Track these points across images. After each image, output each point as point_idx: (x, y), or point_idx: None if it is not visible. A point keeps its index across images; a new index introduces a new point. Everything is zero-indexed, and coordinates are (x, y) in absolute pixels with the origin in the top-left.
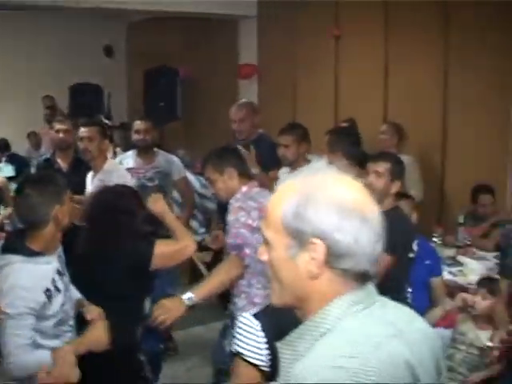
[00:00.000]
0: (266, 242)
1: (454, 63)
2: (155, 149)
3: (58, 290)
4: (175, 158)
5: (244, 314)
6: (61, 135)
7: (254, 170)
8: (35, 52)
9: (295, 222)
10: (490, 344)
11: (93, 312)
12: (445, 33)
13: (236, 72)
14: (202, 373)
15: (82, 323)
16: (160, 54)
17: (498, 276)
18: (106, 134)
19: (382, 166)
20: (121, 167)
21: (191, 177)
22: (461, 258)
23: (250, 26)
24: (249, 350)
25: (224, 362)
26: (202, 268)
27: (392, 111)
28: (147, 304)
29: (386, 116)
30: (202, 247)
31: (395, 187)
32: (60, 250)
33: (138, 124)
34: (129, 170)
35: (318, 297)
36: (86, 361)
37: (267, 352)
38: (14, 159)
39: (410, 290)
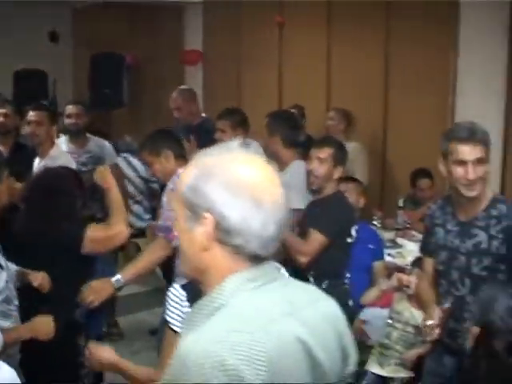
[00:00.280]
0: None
1: (394, 50)
2: (87, 134)
3: (1, 266)
4: (107, 144)
5: (174, 285)
6: (0, 119)
7: None
8: None
9: (192, 196)
10: (430, 322)
11: (38, 277)
12: (386, 20)
13: (181, 58)
14: (147, 357)
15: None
16: (106, 41)
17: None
18: (55, 119)
19: (325, 152)
20: (67, 154)
21: (137, 162)
22: (400, 241)
23: (196, 13)
24: (175, 319)
25: None
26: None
27: (335, 98)
28: None
29: (329, 102)
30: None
31: (338, 173)
32: None
33: (70, 108)
34: None
35: (214, 272)
36: (22, 345)
37: None
38: None
39: (348, 275)
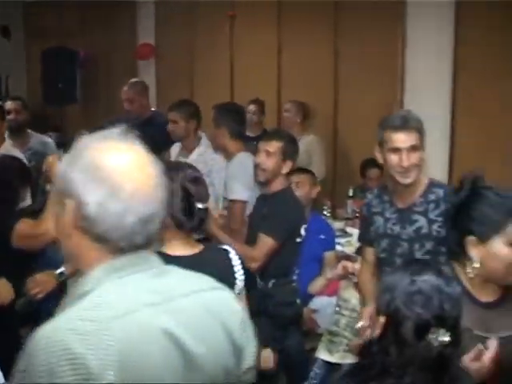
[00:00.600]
0: None
1: (344, 44)
2: (29, 130)
3: None
4: (49, 140)
5: None
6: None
7: None
8: None
9: (60, 181)
10: (361, 324)
11: None
12: (335, 14)
13: (134, 53)
14: None
15: None
16: (58, 36)
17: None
18: (3, 116)
19: (274, 146)
20: (16, 150)
21: None
22: (349, 230)
23: (148, 7)
24: None
25: None
26: None
27: (285, 91)
28: None
29: (280, 96)
30: None
31: (287, 167)
32: None
33: (9, 104)
34: None
35: (82, 260)
36: None
37: None
38: None
39: (297, 271)
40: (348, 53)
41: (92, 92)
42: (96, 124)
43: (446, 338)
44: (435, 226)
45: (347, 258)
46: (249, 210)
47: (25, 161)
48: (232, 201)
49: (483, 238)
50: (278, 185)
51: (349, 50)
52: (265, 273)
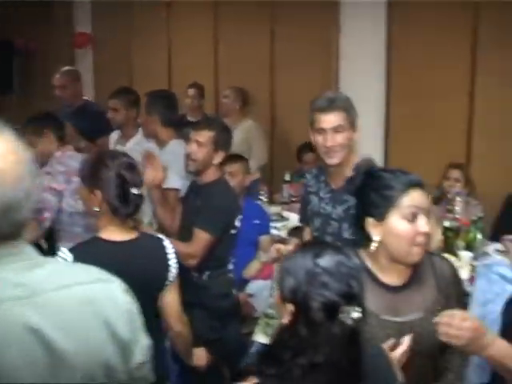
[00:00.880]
0: None
1: (280, 28)
2: None
3: None
4: None
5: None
6: None
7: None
8: None
9: None
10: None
11: None
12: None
13: (72, 42)
14: None
15: None
16: None
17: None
18: None
19: (205, 135)
20: None
21: None
22: (285, 214)
23: None
24: None
25: None
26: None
27: (223, 77)
28: None
29: (218, 81)
30: None
31: (219, 157)
32: None
33: None
34: None
35: None
36: None
37: None
38: None
39: (232, 260)
40: (284, 37)
41: (29, 81)
42: (33, 113)
43: (358, 314)
44: None
45: (282, 241)
46: None
47: None
48: (165, 189)
49: (381, 217)
50: (210, 175)
51: (285, 35)
52: (199, 265)
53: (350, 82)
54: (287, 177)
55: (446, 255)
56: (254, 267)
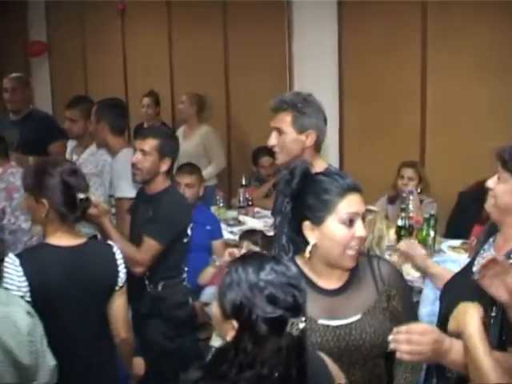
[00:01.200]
0: None
1: (233, 33)
2: None
3: None
4: None
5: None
6: None
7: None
8: None
9: None
10: None
11: None
12: (223, 5)
13: (27, 51)
14: None
15: None
16: None
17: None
18: None
19: (149, 144)
20: None
21: None
22: (242, 218)
23: (39, 3)
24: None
25: None
26: None
27: (178, 82)
28: None
29: (173, 87)
30: None
31: (165, 165)
32: None
33: None
34: None
35: None
36: None
37: (26, 284)
38: None
39: (186, 268)
40: (237, 41)
41: None
42: None
43: (304, 324)
44: None
45: (236, 245)
46: None
47: None
48: (118, 199)
49: (318, 221)
50: (159, 184)
51: (238, 39)
52: (153, 276)
53: (304, 83)
54: (243, 181)
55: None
56: (208, 273)
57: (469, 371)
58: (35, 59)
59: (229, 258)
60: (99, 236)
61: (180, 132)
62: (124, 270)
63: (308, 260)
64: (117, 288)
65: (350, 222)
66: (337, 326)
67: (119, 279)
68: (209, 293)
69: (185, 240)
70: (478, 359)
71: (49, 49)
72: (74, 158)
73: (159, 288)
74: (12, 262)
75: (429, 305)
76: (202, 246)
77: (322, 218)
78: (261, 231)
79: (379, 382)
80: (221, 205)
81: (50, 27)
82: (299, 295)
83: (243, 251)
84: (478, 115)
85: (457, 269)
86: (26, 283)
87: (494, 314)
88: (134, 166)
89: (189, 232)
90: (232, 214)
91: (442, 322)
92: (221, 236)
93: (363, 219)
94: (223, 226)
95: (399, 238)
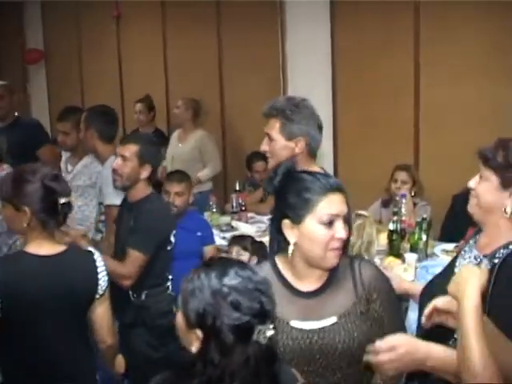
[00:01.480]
0: None
1: (227, 36)
2: None
3: None
4: None
5: None
6: None
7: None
8: None
9: None
10: None
11: None
12: (217, 7)
13: (24, 58)
14: None
15: None
16: None
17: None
18: None
19: (129, 150)
20: None
21: None
22: (235, 223)
23: (35, 11)
24: None
25: None
26: None
27: (173, 87)
28: None
29: (168, 92)
30: None
31: (145, 172)
32: None
33: None
34: None
35: None
36: None
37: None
38: None
39: (170, 277)
40: (231, 45)
41: None
42: None
43: (272, 332)
44: None
45: (226, 251)
46: None
47: None
48: (107, 206)
49: (297, 220)
50: (139, 192)
51: (231, 43)
52: (137, 285)
53: (297, 84)
54: (237, 186)
55: (391, 258)
56: None
57: (456, 367)
58: (32, 66)
59: None
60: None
61: (175, 136)
62: (105, 278)
63: (289, 260)
64: (97, 296)
65: (330, 223)
66: (309, 330)
67: (99, 287)
68: None
69: (168, 248)
70: (467, 347)
71: (45, 55)
72: (69, 168)
73: (143, 297)
74: None
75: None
76: (193, 253)
77: (302, 217)
78: (250, 236)
79: None
80: (214, 210)
81: (46, 33)
82: (266, 301)
83: (233, 256)
84: (473, 116)
85: None
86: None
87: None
88: (114, 171)
89: (172, 239)
90: (225, 219)
91: (421, 326)
92: (212, 242)
93: (346, 221)
94: (216, 231)
95: (391, 242)
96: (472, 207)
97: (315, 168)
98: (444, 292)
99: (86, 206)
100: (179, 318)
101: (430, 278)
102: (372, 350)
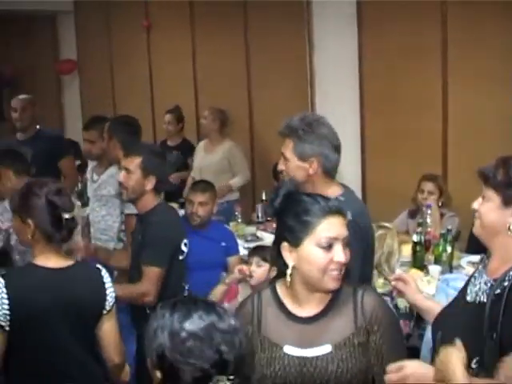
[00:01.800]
0: None
1: (254, 47)
2: None
3: None
4: None
5: None
6: None
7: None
8: None
9: None
10: None
11: None
12: (244, 18)
13: (57, 68)
14: None
15: None
16: None
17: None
18: None
19: (132, 161)
20: None
21: None
22: (260, 234)
23: (68, 22)
24: None
25: None
26: None
27: (202, 97)
28: None
29: (197, 99)
30: None
31: (150, 183)
32: None
33: None
34: None
35: None
36: None
37: (7, 308)
38: None
39: (186, 287)
40: (259, 56)
41: None
42: None
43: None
44: None
45: (246, 261)
46: None
47: None
48: (126, 215)
49: (296, 243)
50: (147, 203)
51: (259, 54)
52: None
53: (325, 95)
54: (263, 196)
55: (414, 270)
56: (218, 290)
57: None
58: (66, 77)
59: (238, 274)
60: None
61: (201, 146)
62: (112, 294)
63: (288, 283)
64: (104, 312)
65: (329, 246)
66: (302, 357)
67: (107, 302)
68: None
69: (180, 257)
70: None
71: (78, 66)
72: (95, 177)
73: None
74: None
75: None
76: (217, 263)
77: (300, 240)
78: (270, 247)
79: None
80: (239, 220)
81: (79, 44)
82: (227, 350)
83: (253, 267)
84: (503, 125)
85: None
86: (6, 306)
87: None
88: (120, 184)
89: (183, 248)
90: (251, 229)
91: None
92: (237, 252)
93: (346, 245)
94: (241, 241)
95: (414, 253)
96: (477, 229)
97: (334, 187)
98: (457, 320)
99: (110, 215)
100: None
101: (449, 291)
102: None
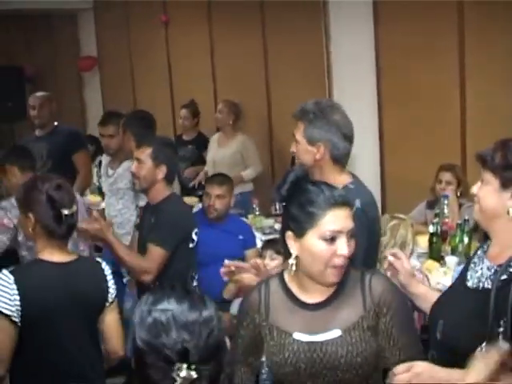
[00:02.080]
0: None
1: (272, 43)
2: None
3: None
4: None
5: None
6: None
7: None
8: None
9: None
10: None
11: None
12: (262, 16)
13: (78, 65)
14: None
15: None
16: (3, 53)
17: None
18: None
19: (143, 152)
20: None
21: None
22: (278, 226)
23: (88, 19)
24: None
25: None
26: None
27: (221, 91)
28: None
29: (216, 96)
30: None
31: (161, 172)
32: None
33: None
34: None
35: None
36: None
37: (18, 303)
38: None
39: (195, 275)
40: (276, 50)
41: None
42: None
43: (188, 374)
44: None
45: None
46: None
47: None
48: (141, 208)
49: (299, 233)
50: (159, 193)
51: (277, 48)
52: (159, 284)
53: (342, 89)
54: None
55: (430, 261)
56: (231, 285)
57: None
58: (87, 73)
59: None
60: None
61: (214, 140)
62: (113, 286)
63: (293, 272)
64: (107, 304)
65: (332, 239)
66: (312, 342)
67: (109, 295)
68: (236, 305)
69: (190, 245)
70: None
71: (99, 62)
72: (110, 172)
73: None
74: (6, 280)
75: None
76: (234, 256)
77: (304, 231)
78: None
79: None
80: (257, 213)
81: (99, 41)
82: (189, 339)
83: (266, 261)
84: None
85: None
86: (18, 302)
87: (501, 330)
88: (132, 175)
89: (194, 237)
90: (269, 222)
91: (439, 344)
92: (254, 245)
93: (350, 237)
94: (259, 234)
95: (431, 245)
96: (476, 213)
97: (344, 175)
98: (462, 307)
99: (127, 208)
100: None
101: None
102: (391, 373)
